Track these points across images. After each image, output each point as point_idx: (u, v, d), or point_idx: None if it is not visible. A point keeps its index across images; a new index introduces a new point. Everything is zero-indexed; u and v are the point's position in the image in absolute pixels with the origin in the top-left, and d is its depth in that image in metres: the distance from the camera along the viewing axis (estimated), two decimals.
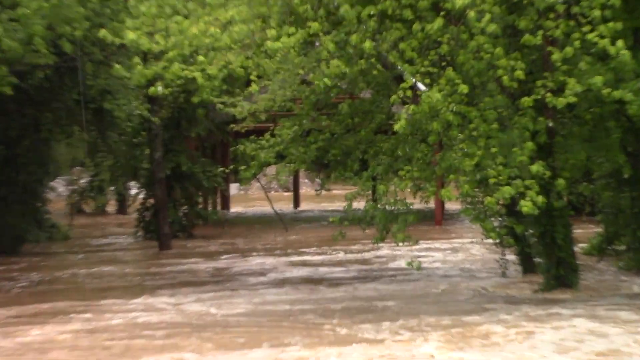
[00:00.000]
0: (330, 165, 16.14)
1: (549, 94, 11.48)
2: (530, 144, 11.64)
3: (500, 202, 13.22)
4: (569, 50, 11.06)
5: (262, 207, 36.97)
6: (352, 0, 11.51)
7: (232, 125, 17.21)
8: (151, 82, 12.95)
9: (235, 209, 37.72)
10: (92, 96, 19.40)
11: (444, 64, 12.04)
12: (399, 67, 12.88)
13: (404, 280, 15.77)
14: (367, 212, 13.26)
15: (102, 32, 12.27)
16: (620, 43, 10.65)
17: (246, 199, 45.31)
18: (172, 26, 11.54)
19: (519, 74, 11.30)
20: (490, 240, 14.33)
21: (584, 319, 11.22)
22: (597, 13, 10.77)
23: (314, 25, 11.08)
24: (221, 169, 25.63)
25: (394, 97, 11.63)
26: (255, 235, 26.11)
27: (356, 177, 14.18)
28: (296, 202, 39.88)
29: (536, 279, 14.52)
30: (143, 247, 23.50)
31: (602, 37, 10.71)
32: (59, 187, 37.11)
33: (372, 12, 11.37)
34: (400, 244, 12.63)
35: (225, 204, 35.47)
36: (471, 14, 10.91)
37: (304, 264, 18.81)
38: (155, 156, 22.98)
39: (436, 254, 19.79)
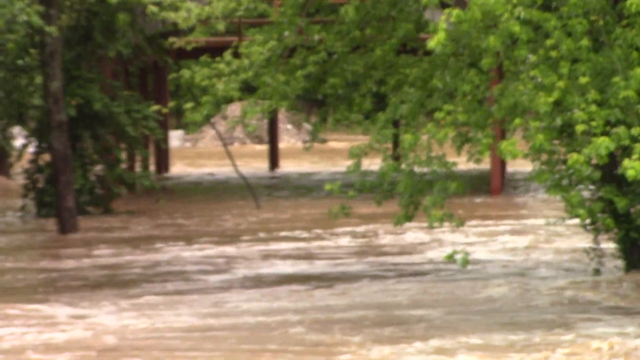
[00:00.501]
0: (327, 103, 16.24)
1: None
2: None
3: (593, 162, 13.12)
4: None
5: (221, 168, 37.11)
6: None
7: (172, 40, 17.89)
8: None
9: (178, 170, 38.17)
10: None
11: None
12: None
13: (440, 280, 16.14)
14: (384, 177, 13.38)
15: None
16: None
17: (195, 156, 45.79)
18: None
19: None
20: (576, 220, 14.45)
21: None
22: None
23: None
24: (155, 107, 25.50)
25: None
26: (210, 211, 26.36)
27: (368, 121, 14.29)
28: (274, 160, 40.13)
29: None
30: (33, 229, 23.62)
31: None
32: None
33: None
34: (437, 225, 12.81)
35: (163, 163, 35.98)
36: None
37: (286, 255, 19.11)
38: (52, 88, 22.68)
39: (492, 240, 20.04)
